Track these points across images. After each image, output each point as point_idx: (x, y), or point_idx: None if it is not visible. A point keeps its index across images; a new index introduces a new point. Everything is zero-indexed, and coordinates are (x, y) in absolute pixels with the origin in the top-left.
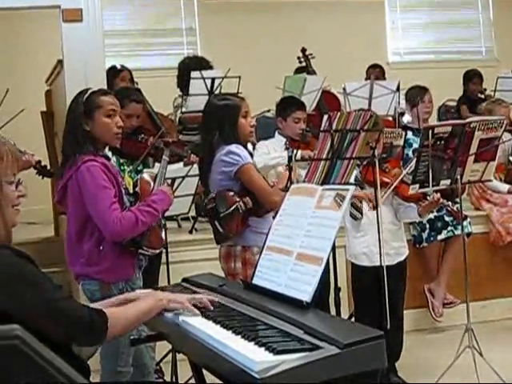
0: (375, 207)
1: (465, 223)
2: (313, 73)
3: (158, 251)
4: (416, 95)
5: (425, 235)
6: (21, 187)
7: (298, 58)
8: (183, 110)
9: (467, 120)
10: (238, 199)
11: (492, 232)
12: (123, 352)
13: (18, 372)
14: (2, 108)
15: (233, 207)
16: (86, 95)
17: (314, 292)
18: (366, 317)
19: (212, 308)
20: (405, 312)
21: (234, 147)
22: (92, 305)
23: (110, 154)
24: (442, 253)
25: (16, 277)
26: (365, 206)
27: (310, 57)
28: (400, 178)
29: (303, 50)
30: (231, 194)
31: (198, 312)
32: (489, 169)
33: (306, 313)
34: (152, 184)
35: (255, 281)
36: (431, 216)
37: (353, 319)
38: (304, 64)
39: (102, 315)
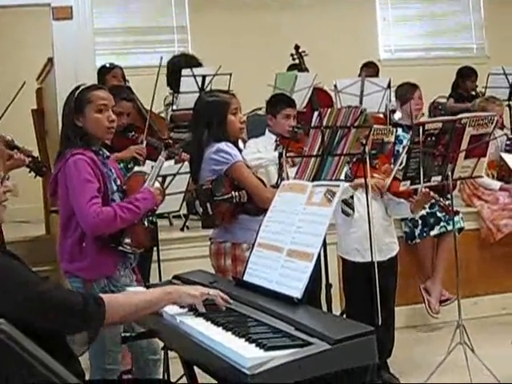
0: (382, 195)
1: (457, 218)
2: (306, 70)
3: (140, 250)
4: (406, 92)
5: (417, 231)
6: (7, 182)
7: (292, 55)
8: (174, 107)
9: (458, 116)
10: (234, 190)
11: (483, 229)
12: (111, 350)
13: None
14: None
15: (228, 195)
16: (78, 91)
17: (305, 288)
18: (358, 313)
19: (224, 309)
20: (397, 309)
21: (223, 145)
22: None
23: None
24: (435, 250)
25: (2, 275)
26: (356, 203)
27: (303, 54)
28: (393, 173)
29: (296, 47)
30: (229, 182)
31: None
32: (480, 165)
33: (297, 309)
34: (143, 182)
35: (246, 277)
36: (423, 212)
37: (344, 316)
38: (297, 61)
39: (98, 300)
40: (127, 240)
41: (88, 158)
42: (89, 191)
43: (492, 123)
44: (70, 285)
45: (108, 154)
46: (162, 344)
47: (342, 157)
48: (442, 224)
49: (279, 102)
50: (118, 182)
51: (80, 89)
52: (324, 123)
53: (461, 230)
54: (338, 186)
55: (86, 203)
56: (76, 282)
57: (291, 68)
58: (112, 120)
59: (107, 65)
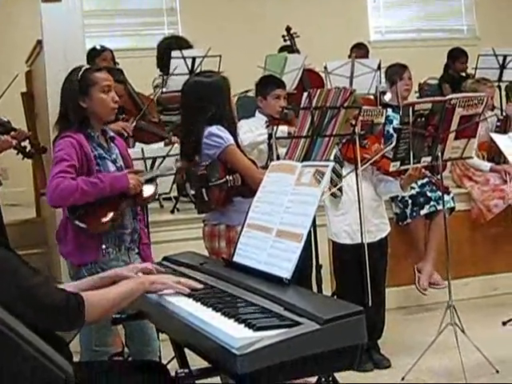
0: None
1: (447, 198)
2: (297, 51)
3: (93, 230)
4: (395, 73)
5: (408, 211)
6: None
7: (283, 36)
8: (164, 89)
9: (448, 97)
10: (228, 173)
11: (474, 210)
12: (98, 331)
13: None
14: None
15: (223, 180)
16: (81, 72)
17: (295, 269)
18: (348, 294)
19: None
20: (388, 290)
21: (214, 129)
22: (72, 284)
23: None
24: (427, 230)
25: None
26: (344, 184)
27: (294, 35)
28: (382, 153)
29: (288, 29)
30: (223, 166)
31: (182, 288)
32: (470, 146)
33: (287, 289)
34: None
35: (236, 258)
36: (413, 192)
37: (335, 297)
38: (288, 43)
39: (79, 299)
40: (82, 216)
41: (75, 141)
42: (58, 167)
43: (482, 104)
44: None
45: (112, 134)
46: None
47: (332, 138)
48: (431, 203)
49: (269, 83)
50: (120, 163)
51: (82, 70)
52: (313, 104)
53: (452, 210)
54: (327, 166)
55: (51, 178)
56: (67, 263)
57: (283, 49)
58: (116, 101)
59: (98, 47)
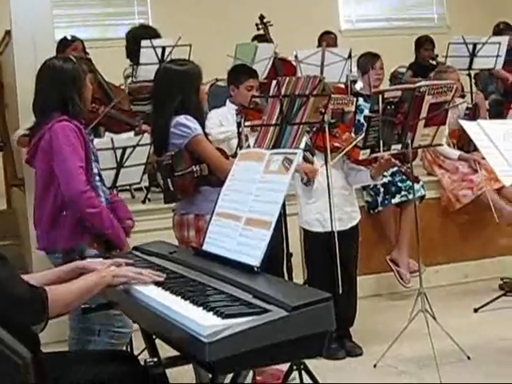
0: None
1: (417, 186)
2: (271, 40)
3: None
4: (367, 62)
5: (379, 199)
6: None
7: (256, 24)
8: (133, 79)
9: (417, 84)
10: (195, 163)
11: (443, 197)
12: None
13: None
14: None
15: (188, 169)
16: (75, 61)
17: (264, 256)
18: (319, 282)
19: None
20: (360, 278)
21: (182, 118)
22: (35, 276)
23: None
24: (399, 219)
25: None
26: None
27: (268, 24)
28: (354, 143)
29: (261, 17)
30: (190, 156)
31: (146, 279)
32: (439, 133)
33: (256, 277)
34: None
35: (205, 247)
36: (385, 180)
37: (307, 285)
38: (262, 32)
39: (43, 293)
40: None
41: (74, 126)
42: (77, 158)
43: (451, 91)
44: (50, 261)
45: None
46: None
47: (301, 126)
48: (403, 193)
49: (242, 72)
50: (95, 151)
51: (73, 60)
52: (282, 92)
53: (422, 198)
54: (295, 153)
55: (75, 168)
56: (57, 258)
57: (256, 38)
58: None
59: (68, 37)
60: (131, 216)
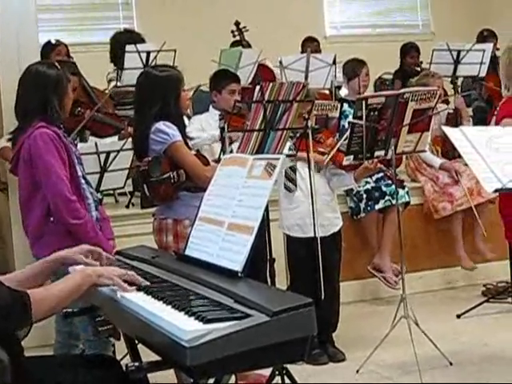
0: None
1: (402, 193)
2: (247, 46)
3: None
4: (353, 68)
5: (362, 205)
6: None
7: (232, 31)
8: (119, 84)
9: (400, 91)
10: (172, 169)
11: (425, 204)
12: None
13: None
14: None
15: (165, 175)
16: (59, 67)
17: (246, 261)
18: (302, 288)
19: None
20: (344, 284)
21: (161, 125)
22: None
23: None
24: (382, 225)
25: None
26: (298, 178)
27: (243, 30)
28: (337, 146)
29: (237, 24)
30: (167, 162)
31: (128, 288)
32: (423, 139)
33: (238, 282)
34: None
35: (188, 252)
36: (368, 186)
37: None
38: (238, 38)
39: (24, 296)
40: None
41: (53, 132)
42: (59, 166)
43: (435, 98)
44: None
45: None
46: None
47: (285, 131)
48: (386, 198)
49: (224, 77)
50: (77, 153)
51: (58, 66)
52: (266, 98)
53: (407, 204)
54: (278, 159)
55: (59, 178)
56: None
57: (234, 45)
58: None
59: (52, 41)
60: (113, 237)
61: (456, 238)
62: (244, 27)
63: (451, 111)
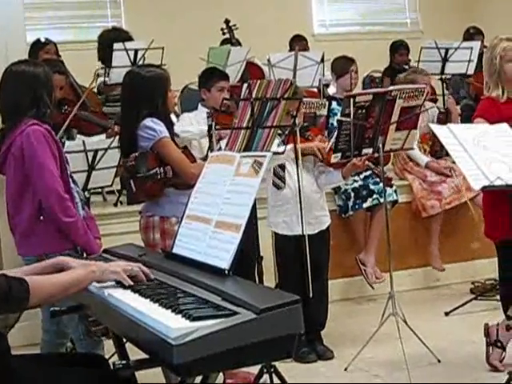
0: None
1: (390, 191)
2: (237, 44)
3: None
4: (342, 66)
5: (350, 203)
6: None
7: (222, 29)
8: (107, 82)
9: (388, 88)
10: (159, 165)
11: (413, 202)
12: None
13: None
14: None
15: (152, 171)
16: (45, 65)
17: (233, 259)
18: (290, 286)
19: (146, 280)
20: (332, 281)
21: (148, 121)
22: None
23: None
24: (369, 222)
25: None
26: (286, 175)
27: (233, 28)
28: (331, 143)
29: (227, 22)
30: (154, 158)
31: (130, 282)
32: (411, 137)
33: (225, 280)
34: None
35: (175, 250)
36: (356, 185)
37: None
38: (228, 36)
39: (22, 283)
40: None
41: (45, 130)
42: (52, 163)
43: (422, 95)
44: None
45: None
46: None
47: (272, 129)
48: (374, 196)
49: (213, 75)
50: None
51: (44, 64)
52: (254, 95)
53: (395, 203)
54: (265, 156)
55: (52, 175)
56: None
57: (224, 43)
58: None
59: (42, 39)
60: (100, 236)
61: (432, 237)
62: (234, 25)
63: (443, 111)
